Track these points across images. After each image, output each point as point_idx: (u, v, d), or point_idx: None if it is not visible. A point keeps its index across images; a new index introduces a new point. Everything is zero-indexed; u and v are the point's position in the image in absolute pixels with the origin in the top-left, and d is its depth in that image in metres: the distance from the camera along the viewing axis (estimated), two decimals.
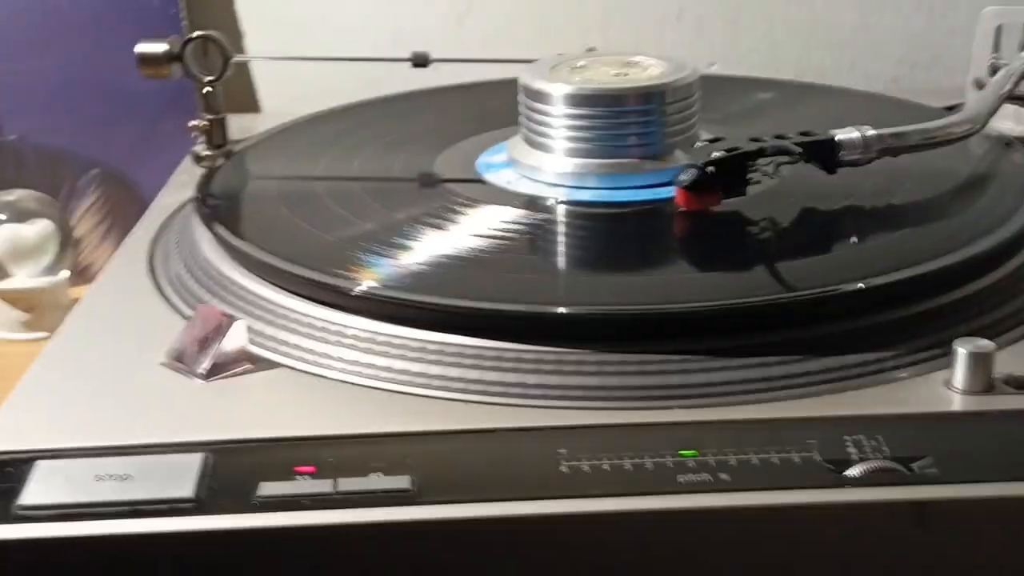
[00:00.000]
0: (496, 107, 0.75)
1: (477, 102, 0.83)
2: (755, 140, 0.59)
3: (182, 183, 0.77)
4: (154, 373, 0.51)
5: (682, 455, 0.44)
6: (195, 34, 0.78)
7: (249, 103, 1.00)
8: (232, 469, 0.43)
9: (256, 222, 0.63)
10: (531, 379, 0.48)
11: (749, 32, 1.00)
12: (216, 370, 0.50)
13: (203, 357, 0.50)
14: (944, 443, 0.44)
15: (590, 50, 0.80)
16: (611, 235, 0.61)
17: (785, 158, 0.59)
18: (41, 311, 0.81)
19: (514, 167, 0.67)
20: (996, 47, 0.79)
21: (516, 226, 0.60)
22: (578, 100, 0.63)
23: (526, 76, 0.66)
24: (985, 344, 0.47)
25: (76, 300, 0.78)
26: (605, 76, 0.66)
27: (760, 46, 1.01)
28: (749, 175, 0.59)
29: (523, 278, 0.54)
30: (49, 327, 0.77)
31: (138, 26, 0.92)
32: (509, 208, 0.61)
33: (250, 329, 0.52)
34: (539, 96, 0.65)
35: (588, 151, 0.64)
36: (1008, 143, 0.70)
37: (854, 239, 0.58)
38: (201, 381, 0.50)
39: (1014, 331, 0.52)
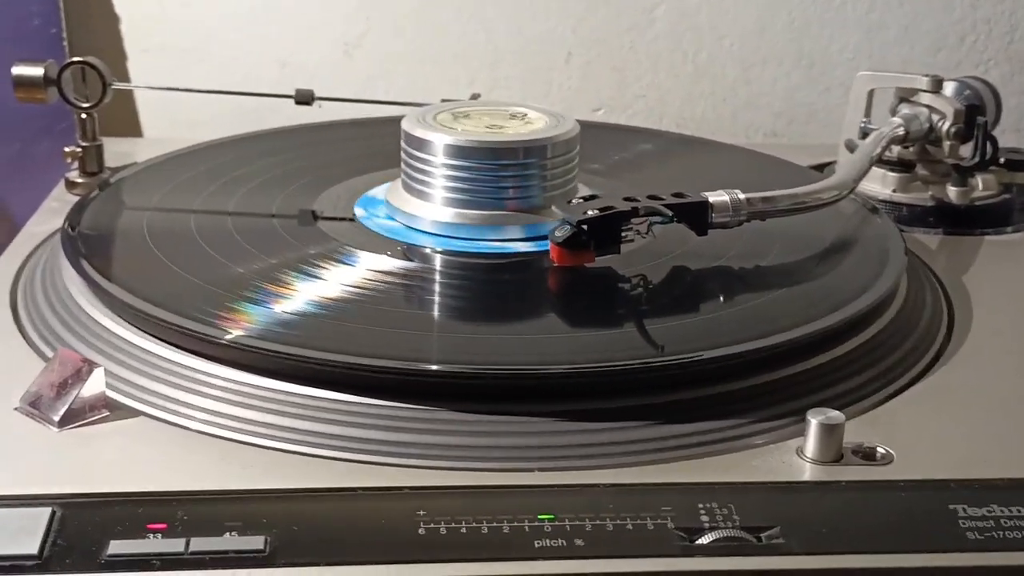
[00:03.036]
0: (381, 146, 0.75)
1: (364, 139, 0.83)
2: (629, 199, 0.60)
3: (53, 210, 0.76)
4: (8, 419, 0.50)
5: (540, 519, 0.44)
6: (73, 60, 0.77)
7: (130, 127, 0.99)
8: (81, 525, 0.43)
9: (123, 261, 0.62)
10: (392, 436, 0.48)
11: (635, 80, 1.02)
12: (71, 417, 0.49)
13: (59, 404, 0.49)
14: (793, 513, 0.45)
15: (474, 97, 0.81)
16: (484, 288, 0.61)
17: (658, 218, 0.61)
18: None
19: (391, 212, 0.67)
20: (867, 111, 0.82)
21: (388, 276, 0.60)
22: (459, 151, 0.64)
23: (408, 123, 0.66)
24: (835, 415, 0.49)
25: None
26: (488, 127, 0.67)
27: (646, 93, 1.03)
28: (623, 233, 0.60)
29: (390, 332, 0.54)
30: None
31: (17, 44, 0.89)
32: (383, 257, 0.61)
33: (110, 374, 0.51)
34: (420, 144, 0.65)
35: (466, 202, 0.64)
36: (873, 208, 0.72)
37: (720, 299, 0.60)
38: (55, 428, 0.49)
39: (867, 400, 0.54)
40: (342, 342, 0.52)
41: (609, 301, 0.59)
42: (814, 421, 0.48)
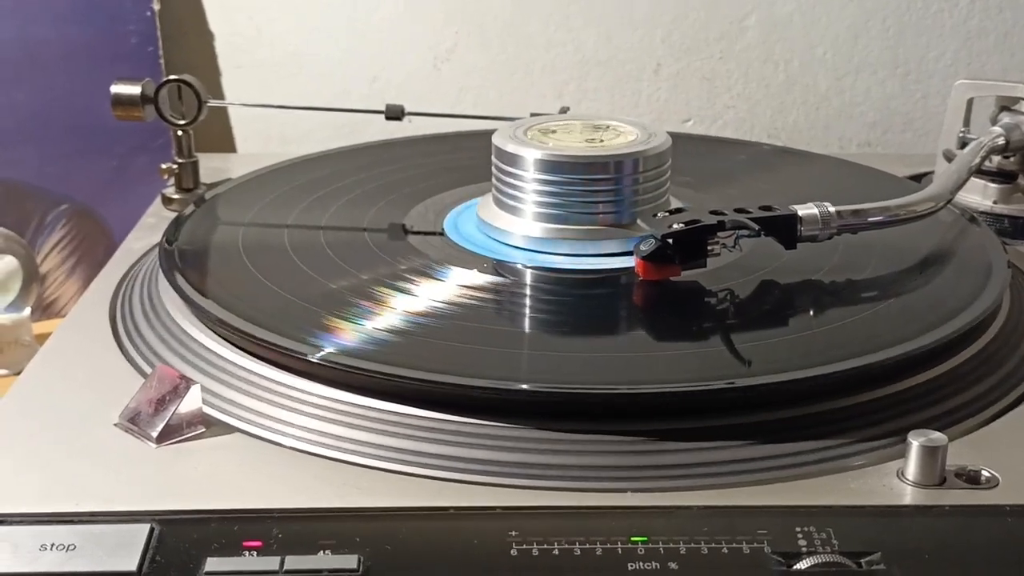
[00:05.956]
0: (471, 160, 0.75)
1: (454, 153, 0.83)
2: (715, 213, 0.60)
3: (151, 226, 0.77)
4: (107, 434, 0.50)
5: (633, 541, 0.44)
6: (170, 78, 0.79)
7: (224, 143, 1.00)
8: (179, 541, 0.43)
9: (219, 277, 0.63)
10: (485, 455, 0.48)
11: (725, 90, 1.01)
12: (168, 433, 0.50)
13: (157, 420, 0.50)
14: (894, 538, 0.44)
15: (564, 111, 0.80)
16: (575, 304, 0.61)
17: (745, 232, 0.60)
18: (1, 348, 0.80)
19: (482, 227, 0.67)
20: (967, 120, 0.80)
21: (478, 292, 0.60)
22: (550, 166, 0.64)
23: (499, 138, 0.66)
24: (937, 437, 0.47)
25: (39, 337, 0.77)
26: (578, 140, 0.66)
27: (736, 104, 1.01)
28: (709, 247, 0.59)
29: (481, 349, 0.54)
30: (10, 364, 0.77)
31: (115, 63, 0.91)
32: (473, 272, 0.61)
33: (207, 390, 0.52)
34: (511, 159, 0.65)
35: (556, 216, 0.64)
36: (972, 219, 0.71)
37: (816, 315, 0.59)
38: (153, 445, 0.49)
39: (971, 420, 0.52)
40: (434, 360, 0.52)
41: (702, 318, 0.59)
42: (915, 443, 0.47)
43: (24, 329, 0.82)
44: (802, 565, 0.43)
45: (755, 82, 1.01)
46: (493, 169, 0.66)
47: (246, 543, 0.43)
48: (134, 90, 0.77)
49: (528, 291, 0.62)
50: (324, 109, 0.83)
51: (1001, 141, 0.76)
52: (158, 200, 0.82)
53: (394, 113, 0.81)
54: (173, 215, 0.73)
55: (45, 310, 0.92)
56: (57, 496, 0.46)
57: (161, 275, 0.62)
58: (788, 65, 1.00)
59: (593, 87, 1.01)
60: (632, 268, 0.60)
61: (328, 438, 0.50)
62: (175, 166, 0.81)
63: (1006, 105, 0.78)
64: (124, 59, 0.92)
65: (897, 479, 0.48)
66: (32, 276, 0.84)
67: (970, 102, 0.80)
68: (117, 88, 0.78)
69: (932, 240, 0.67)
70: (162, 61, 0.93)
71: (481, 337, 0.55)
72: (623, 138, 0.67)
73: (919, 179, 0.82)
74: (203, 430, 0.51)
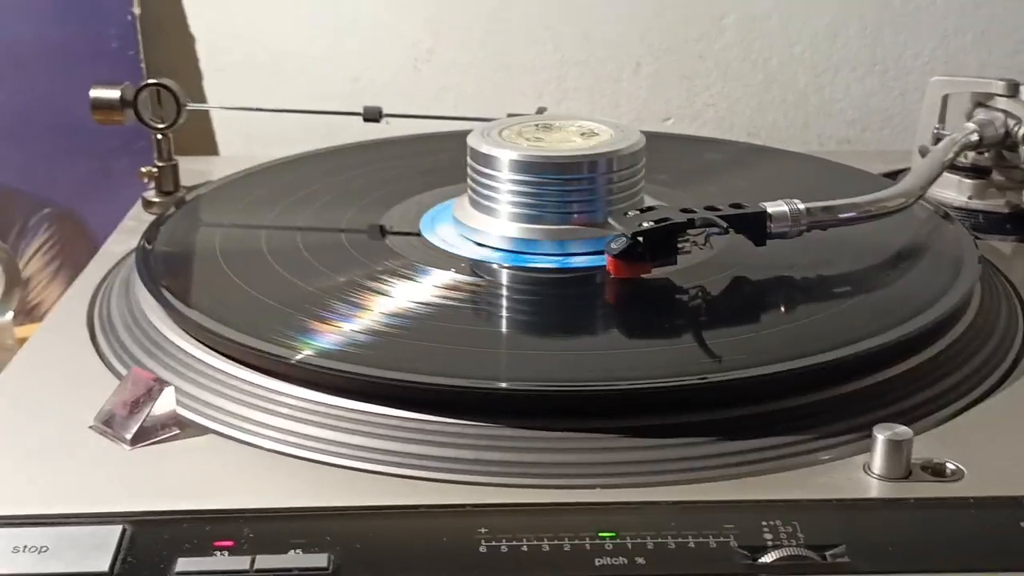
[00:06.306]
0: (449, 161, 0.76)
1: (432, 154, 0.84)
2: (686, 211, 0.60)
3: (131, 229, 0.78)
4: (82, 437, 0.51)
5: (601, 536, 0.44)
6: (149, 82, 0.79)
7: (206, 145, 1.01)
8: (151, 542, 0.43)
9: (196, 280, 0.63)
10: (454, 453, 0.48)
11: (705, 88, 1.01)
12: (142, 435, 0.50)
13: (131, 422, 0.50)
14: (859, 531, 0.45)
15: (540, 111, 0.81)
16: (548, 303, 0.62)
17: (714, 229, 0.60)
18: None
19: (458, 228, 0.67)
20: (942, 117, 0.81)
21: (453, 293, 0.60)
22: (524, 166, 0.64)
23: (474, 139, 0.67)
24: (903, 431, 0.48)
25: (21, 340, 0.78)
26: (554, 140, 0.67)
27: (715, 102, 1.02)
28: (680, 245, 0.60)
29: (453, 349, 0.54)
30: None
31: (96, 65, 0.92)
32: (448, 273, 0.62)
33: (182, 392, 0.53)
34: (486, 160, 0.65)
35: (531, 216, 0.65)
36: (945, 215, 0.71)
37: (787, 311, 0.59)
38: (127, 447, 0.50)
39: (937, 414, 0.53)
40: (407, 360, 0.52)
41: (672, 315, 0.59)
42: (881, 437, 0.48)
43: (7, 333, 0.82)
44: (767, 558, 0.43)
45: (734, 80, 1.01)
46: (468, 170, 0.67)
47: (217, 543, 0.43)
48: (113, 94, 0.78)
49: (504, 291, 0.62)
50: (303, 112, 0.83)
51: (975, 137, 0.76)
52: (139, 203, 0.83)
53: (372, 115, 0.81)
54: (153, 218, 0.73)
55: (28, 314, 0.92)
56: (31, 498, 0.46)
57: (138, 278, 0.62)
58: (767, 63, 1.01)
59: (573, 86, 1.01)
60: (603, 266, 0.61)
61: (299, 438, 0.50)
62: (155, 169, 0.81)
63: (981, 101, 0.79)
64: (105, 61, 0.92)
65: (863, 473, 0.48)
66: (14, 280, 0.84)
67: (945, 99, 0.81)
68: (96, 92, 0.78)
69: (905, 236, 0.68)
70: (143, 64, 0.94)
71: (454, 337, 0.55)
72: (597, 138, 0.67)
73: (896, 176, 0.83)
74: (177, 432, 0.51)
